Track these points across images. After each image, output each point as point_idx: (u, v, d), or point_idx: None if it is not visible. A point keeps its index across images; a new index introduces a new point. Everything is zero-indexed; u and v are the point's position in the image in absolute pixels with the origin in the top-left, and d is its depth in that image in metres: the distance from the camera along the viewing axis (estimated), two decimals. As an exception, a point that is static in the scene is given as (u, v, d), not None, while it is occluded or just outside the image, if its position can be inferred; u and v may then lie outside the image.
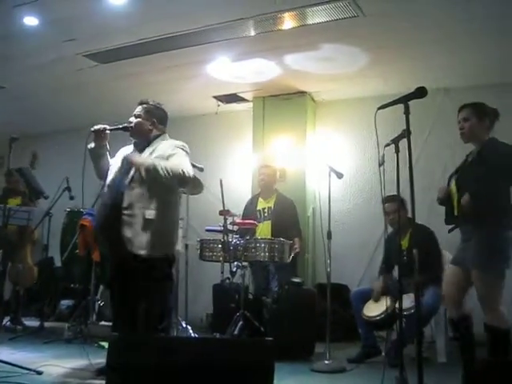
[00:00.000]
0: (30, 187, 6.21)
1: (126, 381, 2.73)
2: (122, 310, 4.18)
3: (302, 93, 7.61)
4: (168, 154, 4.10)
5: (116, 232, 4.00)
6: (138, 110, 4.33)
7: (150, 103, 4.38)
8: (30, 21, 5.62)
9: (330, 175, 5.20)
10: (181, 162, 4.06)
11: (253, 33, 5.88)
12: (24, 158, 6.47)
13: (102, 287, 6.94)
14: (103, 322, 6.46)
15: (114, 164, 4.30)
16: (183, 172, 3.98)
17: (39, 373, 4.13)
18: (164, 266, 4.14)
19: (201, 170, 6.02)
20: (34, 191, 6.26)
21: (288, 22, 5.63)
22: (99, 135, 4.19)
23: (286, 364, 4.59)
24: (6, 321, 6.67)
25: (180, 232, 4.47)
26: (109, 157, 4.35)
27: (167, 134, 4.38)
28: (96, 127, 4.17)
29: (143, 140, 4.27)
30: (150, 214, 4.02)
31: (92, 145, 4.23)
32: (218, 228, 5.72)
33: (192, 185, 4.71)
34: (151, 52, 6.42)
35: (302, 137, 7.54)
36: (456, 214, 3.91)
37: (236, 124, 8.30)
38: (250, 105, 8.04)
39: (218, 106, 8.18)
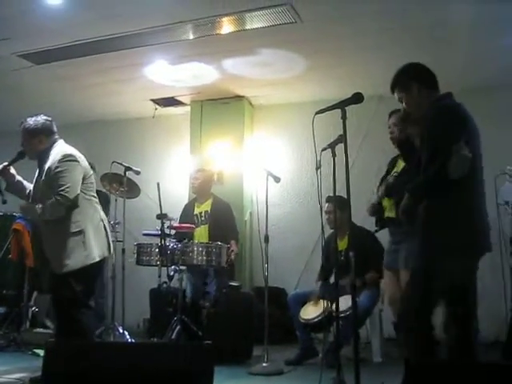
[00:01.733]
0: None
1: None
2: None
3: (240, 97, 7.65)
4: (53, 169, 4.03)
5: None
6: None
7: (28, 124, 4.23)
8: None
9: (267, 179, 5.23)
10: (62, 187, 3.96)
11: (191, 36, 5.87)
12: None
13: (35, 293, 6.77)
14: (37, 329, 6.31)
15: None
16: (60, 203, 3.93)
17: (-30, 382, 4.02)
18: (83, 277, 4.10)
19: (137, 173, 5.98)
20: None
21: (226, 26, 5.65)
22: (5, 173, 4.24)
23: (224, 368, 4.58)
24: None
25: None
26: (25, 182, 4.35)
27: (59, 141, 4.26)
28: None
29: (39, 157, 4.22)
30: None
31: (4, 185, 4.28)
32: (155, 232, 5.67)
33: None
34: (87, 54, 6.31)
35: (240, 140, 7.58)
36: (388, 215, 4.01)
37: (174, 128, 8.25)
38: (188, 108, 8.02)
39: (156, 109, 8.12)
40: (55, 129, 4.27)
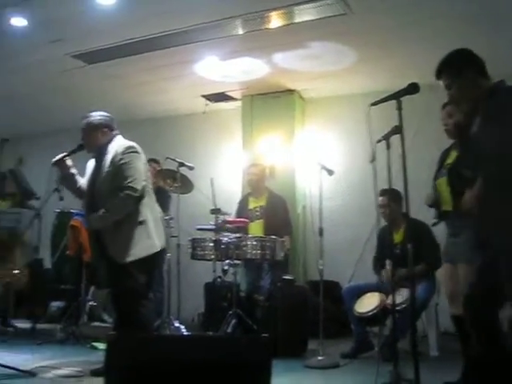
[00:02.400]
0: (22, 188, 6.20)
1: (124, 381, 2.73)
2: None
3: (291, 91, 7.63)
4: (118, 161, 4.13)
5: None
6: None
7: (92, 117, 4.39)
8: (18, 21, 5.60)
9: (320, 172, 5.21)
10: (128, 179, 4.09)
11: (241, 31, 5.88)
12: (11, 160, 6.44)
13: (93, 288, 6.93)
14: (95, 323, 6.46)
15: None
16: (129, 197, 4.05)
17: (33, 374, 4.13)
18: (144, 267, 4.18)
19: (191, 168, 6.04)
20: (25, 192, 6.25)
21: (275, 20, 5.64)
22: (61, 165, 4.36)
23: (280, 361, 4.55)
24: (-3, 323, 6.67)
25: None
26: (78, 176, 4.45)
27: (118, 136, 4.39)
28: (55, 159, 4.33)
29: (98, 151, 4.33)
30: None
31: (60, 176, 4.42)
32: (210, 226, 5.73)
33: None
34: (139, 52, 6.41)
35: (291, 134, 7.57)
36: (445, 209, 3.92)
37: (225, 123, 8.30)
38: (239, 103, 8.05)
39: (206, 105, 8.17)
40: (116, 125, 4.41)
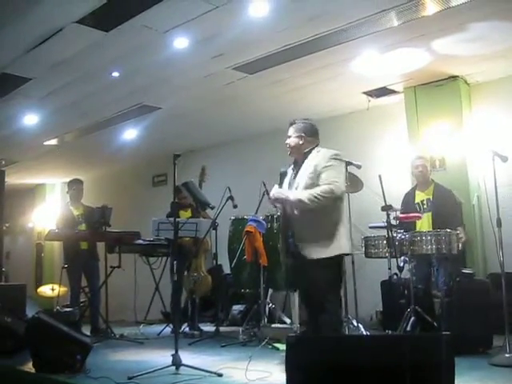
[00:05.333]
0: (196, 200, 6.53)
1: (305, 379, 2.80)
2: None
3: (454, 77, 7.32)
4: (322, 166, 4.29)
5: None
6: (290, 131, 4.59)
7: (297, 122, 4.61)
8: (180, 42, 5.96)
9: (493, 159, 4.95)
10: (332, 179, 4.24)
11: (396, 23, 5.77)
12: (189, 173, 6.80)
13: (271, 291, 7.13)
14: (275, 324, 6.64)
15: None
16: (332, 192, 4.19)
17: (220, 375, 4.36)
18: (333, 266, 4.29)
19: (358, 167, 6.02)
20: (199, 203, 6.57)
21: (431, 7, 5.45)
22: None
23: (463, 359, 4.40)
24: (184, 327, 7.09)
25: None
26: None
27: (319, 146, 4.54)
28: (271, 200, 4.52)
29: (299, 156, 4.51)
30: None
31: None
32: (382, 224, 5.68)
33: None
34: (297, 56, 6.54)
35: (459, 123, 7.26)
36: None
37: (388, 117, 8.17)
38: (401, 96, 7.87)
39: (369, 101, 8.10)
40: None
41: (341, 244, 4.26)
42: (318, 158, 4.35)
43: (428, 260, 5.95)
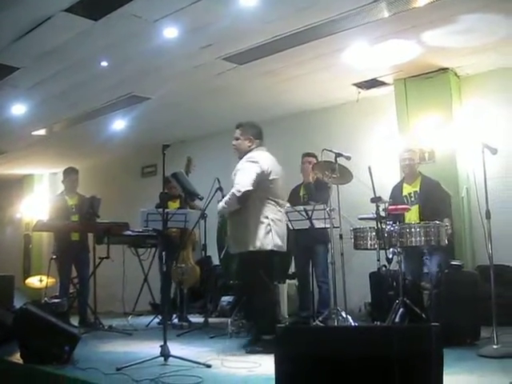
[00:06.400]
0: (185, 190, 6.51)
1: (294, 370, 2.79)
2: None
3: (445, 69, 7.33)
4: (236, 169, 4.92)
5: None
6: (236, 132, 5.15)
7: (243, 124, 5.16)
8: (170, 32, 5.92)
9: (483, 152, 4.95)
10: (236, 181, 4.88)
11: (386, 14, 5.77)
12: (178, 163, 6.77)
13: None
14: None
15: None
16: (233, 194, 4.83)
17: (208, 366, 4.34)
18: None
19: (348, 158, 6.01)
20: (188, 194, 6.55)
21: (421, -2, 5.46)
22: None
23: (451, 350, 4.42)
24: (173, 318, 7.08)
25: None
26: None
27: (260, 147, 5.07)
28: None
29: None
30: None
31: None
32: (371, 216, 5.68)
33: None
34: (287, 47, 6.52)
35: (449, 115, 7.27)
36: None
37: (378, 109, 8.17)
38: (391, 88, 7.87)
39: (359, 93, 8.10)
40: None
41: (255, 242, 4.89)
42: (241, 161, 4.91)
43: (418, 252, 5.95)
